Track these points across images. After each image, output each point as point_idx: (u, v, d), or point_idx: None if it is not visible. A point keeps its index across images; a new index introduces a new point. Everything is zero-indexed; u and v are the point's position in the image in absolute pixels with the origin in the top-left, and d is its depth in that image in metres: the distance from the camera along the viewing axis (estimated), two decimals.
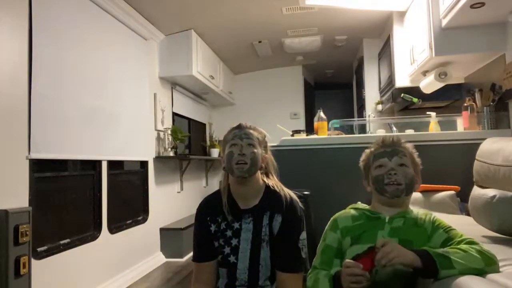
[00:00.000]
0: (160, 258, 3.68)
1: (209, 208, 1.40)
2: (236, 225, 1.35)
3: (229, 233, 1.35)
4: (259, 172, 1.37)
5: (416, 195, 2.29)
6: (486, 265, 1.07)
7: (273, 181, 1.42)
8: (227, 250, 1.34)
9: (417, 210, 1.32)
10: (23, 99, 2.11)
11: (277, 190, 1.38)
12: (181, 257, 3.72)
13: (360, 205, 1.39)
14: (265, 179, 1.41)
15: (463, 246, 1.12)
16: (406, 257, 1.06)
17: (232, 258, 1.33)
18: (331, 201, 2.51)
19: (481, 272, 1.07)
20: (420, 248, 1.12)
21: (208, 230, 1.37)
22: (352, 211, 1.37)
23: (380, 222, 1.29)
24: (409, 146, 1.35)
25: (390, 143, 1.33)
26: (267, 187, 1.39)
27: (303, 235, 1.34)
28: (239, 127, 1.39)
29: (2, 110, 1.96)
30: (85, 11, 2.73)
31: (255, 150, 1.33)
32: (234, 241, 1.34)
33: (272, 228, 1.33)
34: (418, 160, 1.36)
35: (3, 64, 1.99)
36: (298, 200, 1.39)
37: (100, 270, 2.74)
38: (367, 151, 1.41)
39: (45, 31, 2.28)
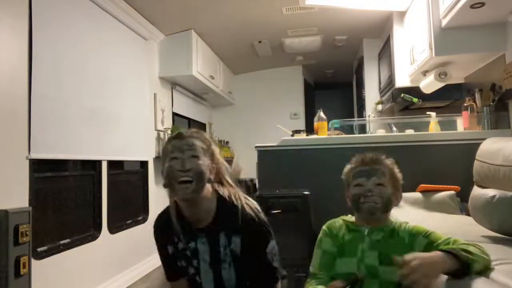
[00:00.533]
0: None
1: (162, 229, 1.30)
2: (193, 244, 1.24)
3: (188, 253, 1.26)
4: (208, 186, 1.22)
5: (416, 195, 2.30)
6: (484, 254, 1.13)
7: (228, 189, 1.27)
8: (191, 270, 1.26)
9: (395, 221, 1.34)
10: (23, 99, 2.11)
11: (232, 201, 1.23)
12: None
13: (348, 217, 1.41)
14: (217, 188, 1.26)
15: (457, 246, 1.14)
16: (436, 271, 1.07)
17: (198, 278, 1.26)
18: (331, 201, 2.51)
19: (487, 267, 1.11)
20: (439, 249, 1.13)
21: (167, 251, 1.29)
22: (341, 221, 1.40)
23: (361, 235, 1.32)
24: (389, 163, 1.37)
25: (369, 162, 1.35)
26: (219, 200, 1.24)
27: (271, 244, 1.23)
28: (179, 136, 1.20)
29: (2, 110, 1.96)
30: (85, 11, 2.72)
31: (200, 162, 1.16)
32: (194, 262, 1.25)
33: (233, 250, 1.22)
34: (399, 175, 1.37)
35: (3, 64, 1.99)
36: (257, 208, 1.26)
37: (100, 270, 2.74)
38: (348, 166, 1.42)
39: (45, 31, 2.28)
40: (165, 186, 1.20)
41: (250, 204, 1.25)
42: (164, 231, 1.29)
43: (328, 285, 1.25)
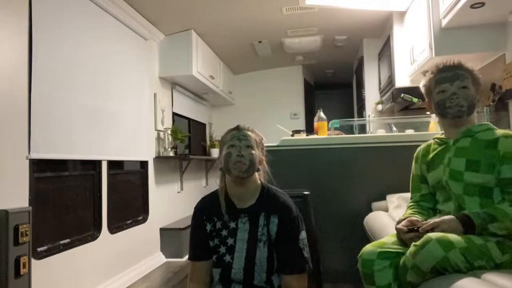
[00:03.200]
0: (160, 258, 3.68)
1: (205, 208, 1.41)
2: (232, 224, 1.35)
3: (224, 232, 1.35)
4: (256, 173, 1.38)
5: None
6: None
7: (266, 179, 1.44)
8: (222, 249, 1.34)
9: (496, 130, 1.37)
10: (23, 99, 2.11)
11: (272, 192, 1.39)
12: (181, 257, 3.72)
13: (439, 134, 1.49)
14: (262, 179, 1.43)
15: (506, 210, 1.22)
16: (454, 228, 1.20)
17: (227, 258, 1.33)
18: (331, 201, 2.52)
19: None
20: (464, 214, 1.24)
21: (204, 229, 1.37)
22: (430, 141, 1.50)
23: (447, 146, 1.41)
24: (470, 66, 1.41)
25: (451, 67, 1.40)
26: (263, 188, 1.40)
27: (303, 234, 1.34)
28: (238, 128, 1.39)
29: (2, 110, 1.96)
30: (85, 11, 2.73)
31: (253, 152, 1.34)
32: (230, 241, 1.34)
33: (270, 230, 1.33)
34: (479, 77, 1.41)
35: (3, 64, 1.99)
36: (291, 201, 1.40)
37: (100, 270, 2.74)
38: (429, 75, 1.47)
39: (45, 31, 2.28)
40: (221, 169, 1.39)
41: (286, 196, 1.41)
42: (206, 209, 1.40)
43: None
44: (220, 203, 1.37)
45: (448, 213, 1.36)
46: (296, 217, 1.35)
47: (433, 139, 1.49)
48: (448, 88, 1.37)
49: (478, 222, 1.21)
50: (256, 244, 1.32)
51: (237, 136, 1.35)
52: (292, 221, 1.34)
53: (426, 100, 1.49)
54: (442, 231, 1.21)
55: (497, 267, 1.16)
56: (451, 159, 1.37)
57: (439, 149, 1.44)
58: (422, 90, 1.49)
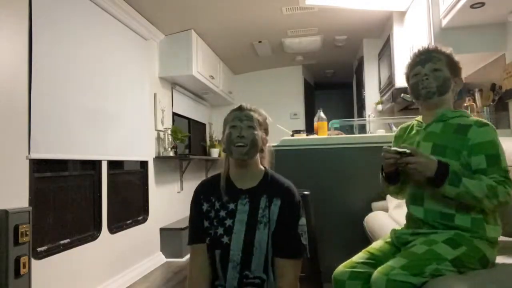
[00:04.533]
0: (160, 258, 3.68)
1: (204, 188, 1.41)
2: (232, 205, 1.33)
3: (222, 213, 1.33)
4: (258, 156, 1.37)
5: None
6: (486, 197, 1.18)
7: (268, 161, 1.43)
8: (220, 230, 1.31)
9: (471, 117, 1.35)
10: (23, 99, 2.11)
11: (275, 177, 1.39)
12: (181, 257, 3.72)
13: (420, 117, 1.49)
14: (266, 162, 1.41)
15: (483, 177, 1.21)
16: (424, 172, 1.22)
17: (225, 239, 1.30)
18: (331, 201, 2.52)
19: (478, 203, 1.20)
20: (444, 161, 1.23)
21: (201, 209, 1.36)
22: (412, 122, 1.51)
23: (420, 129, 1.42)
24: (447, 50, 1.41)
25: (424, 51, 1.41)
26: (266, 172, 1.38)
27: (302, 221, 1.34)
28: (240, 108, 1.38)
29: (2, 110, 1.96)
30: (85, 11, 2.73)
31: (255, 132, 1.32)
32: (228, 222, 1.31)
33: (271, 212, 1.31)
34: (457, 61, 1.40)
35: (3, 64, 1.99)
36: (294, 186, 1.40)
37: (100, 270, 2.74)
38: (407, 62, 1.48)
39: (45, 31, 2.28)
40: (224, 150, 1.37)
41: (289, 182, 1.40)
42: (204, 189, 1.40)
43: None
44: (219, 184, 1.36)
45: (413, 195, 1.39)
46: (298, 203, 1.35)
47: (415, 120, 1.50)
48: (420, 71, 1.38)
49: (452, 169, 1.21)
50: (255, 226, 1.29)
51: (239, 116, 1.34)
52: (294, 206, 1.33)
53: (408, 88, 1.50)
54: (414, 168, 1.23)
55: (455, 262, 1.17)
56: (420, 143, 1.38)
57: (413, 132, 1.46)
58: (405, 79, 1.51)
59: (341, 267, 1.39)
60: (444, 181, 1.19)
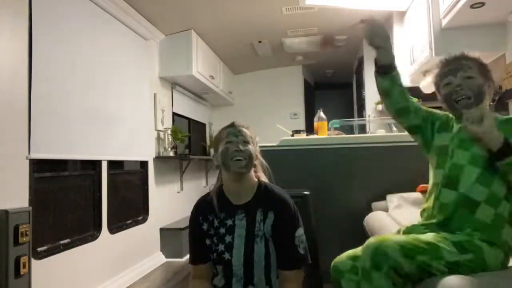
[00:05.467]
0: (160, 258, 3.68)
1: (201, 208, 1.42)
2: (230, 221, 1.36)
3: (222, 230, 1.36)
4: (252, 170, 1.40)
5: (416, 195, 2.29)
6: None
7: (262, 175, 1.45)
8: (221, 247, 1.34)
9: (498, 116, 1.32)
10: (23, 99, 2.11)
11: (269, 188, 1.40)
12: (181, 257, 3.72)
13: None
14: (259, 176, 1.44)
15: None
16: (491, 135, 1.19)
17: (226, 255, 1.33)
18: (331, 201, 2.52)
19: None
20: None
21: (201, 229, 1.38)
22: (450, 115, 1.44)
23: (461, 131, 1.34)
24: (476, 56, 1.38)
25: (453, 60, 1.37)
26: (260, 185, 1.40)
27: (299, 231, 1.35)
28: (233, 125, 1.41)
29: (2, 110, 1.96)
30: (85, 11, 2.72)
31: (250, 146, 1.35)
32: (228, 238, 1.34)
33: (265, 226, 1.33)
34: (486, 64, 1.37)
35: (3, 64, 1.99)
36: (289, 197, 1.40)
37: (100, 270, 2.74)
38: (435, 72, 1.45)
39: (45, 31, 2.28)
40: (217, 166, 1.40)
41: (284, 193, 1.41)
42: (201, 209, 1.41)
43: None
44: (212, 201, 1.39)
45: (436, 184, 1.36)
46: (294, 214, 1.36)
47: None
48: (452, 81, 1.34)
49: None
50: (254, 239, 1.32)
51: (233, 132, 1.37)
52: (289, 217, 1.35)
53: (438, 97, 1.46)
54: (482, 127, 1.19)
55: (451, 265, 1.15)
56: (461, 129, 1.33)
57: (452, 120, 1.42)
58: (434, 88, 1.47)
59: (344, 257, 1.39)
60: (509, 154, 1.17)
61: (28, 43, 2.16)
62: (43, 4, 2.27)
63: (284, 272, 1.33)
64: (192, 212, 1.43)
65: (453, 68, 1.35)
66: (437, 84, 1.43)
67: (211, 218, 1.38)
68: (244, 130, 1.39)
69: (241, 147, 1.33)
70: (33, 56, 2.17)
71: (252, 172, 1.39)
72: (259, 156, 1.44)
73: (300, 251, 1.33)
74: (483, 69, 1.35)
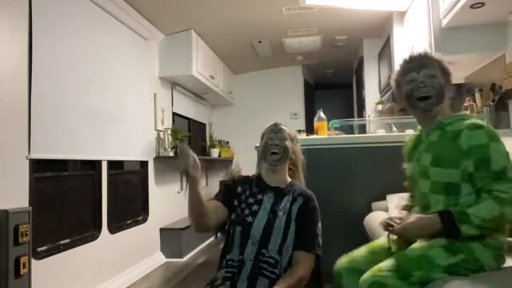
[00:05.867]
0: (160, 258, 3.68)
1: (239, 180, 1.62)
2: (260, 196, 1.54)
3: (251, 200, 1.53)
4: (287, 166, 1.61)
5: None
6: (503, 208, 1.13)
7: (299, 179, 1.66)
8: (246, 211, 1.50)
9: (468, 121, 1.28)
10: (23, 99, 2.11)
11: (300, 186, 1.61)
12: (181, 257, 3.72)
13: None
14: (294, 175, 1.65)
15: (480, 199, 1.17)
16: (424, 233, 1.22)
17: (249, 219, 1.47)
18: (331, 201, 2.52)
19: (503, 219, 1.15)
20: (446, 209, 1.20)
21: (235, 189, 1.57)
22: (411, 135, 1.52)
23: (422, 138, 1.40)
24: (438, 56, 1.39)
25: (417, 57, 1.39)
26: (292, 182, 1.61)
27: (319, 225, 1.52)
28: (275, 124, 1.64)
29: (2, 110, 1.96)
30: (85, 11, 2.73)
31: (287, 142, 1.57)
32: (254, 207, 1.51)
33: (293, 208, 1.50)
34: (447, 67, 1.38)
35: (3, 64, 1.99)
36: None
37: (100, 270, 2.74)
38: (397, 69, 1.46)
39: (45, 31, 2.28)
40: (260, 157, 1.63)
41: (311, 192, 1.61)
42: (241, 181, 1.62)
43: None
44: (251, 179, 1.61)
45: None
46: (316, 207, 1.54)
47: (417, 130, 1.48)
48: (415, 77, 1.34)
49: (454, 210, 1.17)
50: (276, 215, 1.47)
51: (274, 129, 1.61)
52: (315, 208, 1.53)
53: (397, 94, 1.48)
54: (409, 236, 1.25)
55: (448, 269, 1.16)
56: (421, 154, 1.36)
57: (415, 142, 1.44)
58: (393, 84, 1.48)
59: (343, 260, 1.47)
60: (458, 228, 1.14)
61: (28, 43, 2.16)
62: (43, 4, 2.27)
63: (300, 252, 1.43)
64: (231, 179, 1.63)
65: (417, 65, 1.36)
66: (398, 80, 1.43)
67: (245, 187, 1.58)
68: (283, 128, 1.62)
69: (277, 142, 1.55)
70: (33, 56, 2.17)
71: (286, 168, 1.61)
72: (299, 155, 1.66)
73: (319, 239, 1.48)
74: (445, 71, 1.36)
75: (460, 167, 1.23)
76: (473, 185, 1.22)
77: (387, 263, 1.20)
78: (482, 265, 1.18)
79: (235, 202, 1.54)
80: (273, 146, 1.55)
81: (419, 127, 1.46)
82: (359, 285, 1.21)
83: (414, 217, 1.28)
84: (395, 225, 1.31)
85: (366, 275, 1.21)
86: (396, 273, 1.15)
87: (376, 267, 1.21)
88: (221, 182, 4.58)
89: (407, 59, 1.41)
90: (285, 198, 1.53)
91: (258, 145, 1.68)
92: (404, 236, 1.29)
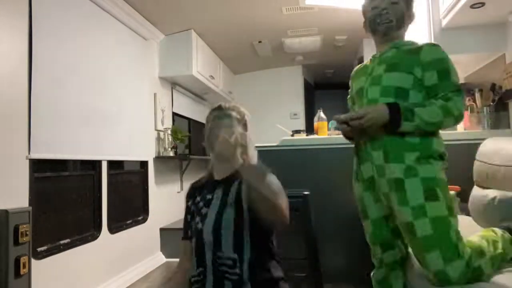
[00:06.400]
0: (160, 258, 3.68)
1: (191, 188, 1.51)
2: (209, 196, 1.39)
3: (201, 204, 1.40)
4: (239, 151, 1.39)
5: None
6: (443, 118, 1.29)
7: (248, 156, 1.43)
8: (197, 219, 1.37)
9: (419, 43, 1.42)
10: (23, 99, 2.11)
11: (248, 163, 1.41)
12: None
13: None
14: (244, 157, 1.41)
15: (433, 101, 1.31)
16: (378, 121, 1.30)
17: (199, 225, 1.34)
18: (331, 201, 2.52)
19: (438, 127, 1.32)
20: (393, 103, 1.31)
21: (187, 206, 1.47)
22: (366, 61, 1.59)
23: (375, 58, 1.50)
24: None
25: None
26: (243, 162, 1.41)
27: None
28: (219, 108, 1.43)
29: (2, 110, 1.96)
30: (85, 11, 2.73)
31: (234, 129, 1.36)
32: (204, 210, 1.37)
33: (243, 193, 1.31)
34: None
35: (3, 64, 1.99)
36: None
37: (100, 270, 2.74)
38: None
39: (45, 31, 2.28)
40: (206, 148, 1.45)
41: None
42: (192, 190, 1.50)
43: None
44: (204, 182, 1.45)
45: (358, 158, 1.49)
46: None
47: (371, 57, 1.57)
48: (379, 4, 1.42)
49: (403, 106, 1.28)
50: (224, 209, 1.32)
51: (219, 115, 1.40)
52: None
53: (363, 22, 1.55)
54: (369, 120, 1.31)
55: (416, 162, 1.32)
56: (374, 67, 1.45)
57: (364, 66, 1.54)
58: (363, 15, 1.55)
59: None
60: (400, 121, 1.27)
61: (28, 43, 2.16)
62: (43, 4, 2.27)
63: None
64: (186, 195, 1.52)
65: None
66: (364, 9, 1.51)
67: (196, 195, 1.45)
68: (230, 112, 1.40)
69: (224, 132, 1.33)
70: (33, 56, 2.17)
71: (237, 154, 1.39)
72: (248, 137, 1.42)
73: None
74: None
75: (413, 74, 1.34)
76: (428, 93, 1.35)
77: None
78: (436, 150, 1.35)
79: (188, 218, 1.43)
80: (219, 137, 1.33)
81: (372, 54, 1.55)
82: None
83: (368, 107, 1.35)
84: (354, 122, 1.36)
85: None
86: (444, 256, 1.20)
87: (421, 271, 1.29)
88: None
89: None
90: (233, 185, 1.35)
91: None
92: (367, 126, 1.34)
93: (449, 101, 1.28)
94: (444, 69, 1.33)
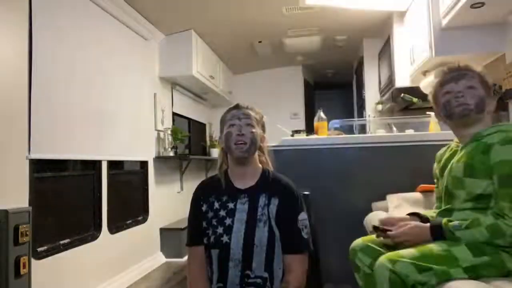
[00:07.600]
0: (160, 258, 3.68)
1: (203, 189, 1.42)
2: (231, 205, 1.33)
3: (222, 213, 1.33)
4: (257, 153, 1.38)
5: (416, 195, 2.30)
6: (492, 238, 1.14)
7: (266, 158, 1.44)
8: (219, 230, 1.31)
9: (504, 133, 1.22)
10: (23, 99, 2.11)
11: (274, 175, 1.40)
12: (181, 257, 3.72)
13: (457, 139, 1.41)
14: (263, 161, 1.42)
15: (481, 219, 1.17)
16: (416, 241, 1.22)
17: (225, 238, 1.29)
18: (331, 201, 2.52)
19: (489, 242, 1.15)
20: (438, 221, 1.23)
21: (200, 210, 1.36)
22: (451, 144, 1.44)
23: (457, 151, 1.35)
24: (478, 68, 1.34)
25: (456, 68, 1.33)
26: (264, 171, 1.40)
27: (302, 215, 1.33)
28: (237, 107, 1.38)
29: (2, 110, 1.96)
30: (85, 11, 2.73)
31: (254, 130, 1.33)
32: (227, 221, 1.31)
33: (270, 211, 1.31)
34: (490, 81, 1.33)
35: (3, 64, 1.99)
36: (293, 183, 1.40)
37: (100, 270, 2.74)
38: (434, 81, 1.40)
39: (45, 31, 2.28)
40: (223, 149, 1.39)
41: (286, 178, 1.41)
42: (204, 190, 1.40)
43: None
44: (218, 184, 1.37)
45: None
46: (297, 199, 1.35)
47: (454, 142, 1.42)
48: (453, 88, 1.29)
49: (445, 228, 1.20)
50: (255, 224, 1.29)
51: (237, 115, 1.35)
52: (292, 202, 1.34)
53: (434, 107, 1.41)
54: (405, 241, 1.23)
55: (469, 270, 1.13)
56: (453, 164, 1.30)
57: (449, 154, 1.38)
58: (430, 98, 1.42)
59: (360, 239, 1.42)
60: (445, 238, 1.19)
61: (28, 43, 2.16)
62: (43, 4, 2.27)
63: (288, 256, 1.30)
64: (194, 194, 1.42)
65: (455, 75, 1.31)
66: (435, 92, 1.37)
67: (212, 200, 1.36)
68: (249, 111, 1.36)
69: (243, 130, 1.31)
70: (33, 56, 2.17)
71: (256, 156, 1.38)
72: (266, 139, 1.41)
73: (304, 235, 1.30)
74: (485, 83, 1.31)
75: (491, 179, 1.20)
76: (496, 201, 1.19)
77: (408, 252, 1.17)
78: (509, 271, 1.14)
79: (204, 224, 1.34)
80: (238, 137, 1.30)
81: (455, 139, 1.40)
82: (376, 266, 1.18)
83: (410, 224, 1.27)
84: (390, 230, 1.29)
85: (384, 259, 1.16)
86: (417, 266, 1.12)
87: (395, 253, 1.17)
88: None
89: (446, 70, 1.35)
90: (260, 199, 1.32)
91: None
92: (397, 241, 1.27)
93: (501, 219, 1.12)
94: (507, 174, 1.15)
